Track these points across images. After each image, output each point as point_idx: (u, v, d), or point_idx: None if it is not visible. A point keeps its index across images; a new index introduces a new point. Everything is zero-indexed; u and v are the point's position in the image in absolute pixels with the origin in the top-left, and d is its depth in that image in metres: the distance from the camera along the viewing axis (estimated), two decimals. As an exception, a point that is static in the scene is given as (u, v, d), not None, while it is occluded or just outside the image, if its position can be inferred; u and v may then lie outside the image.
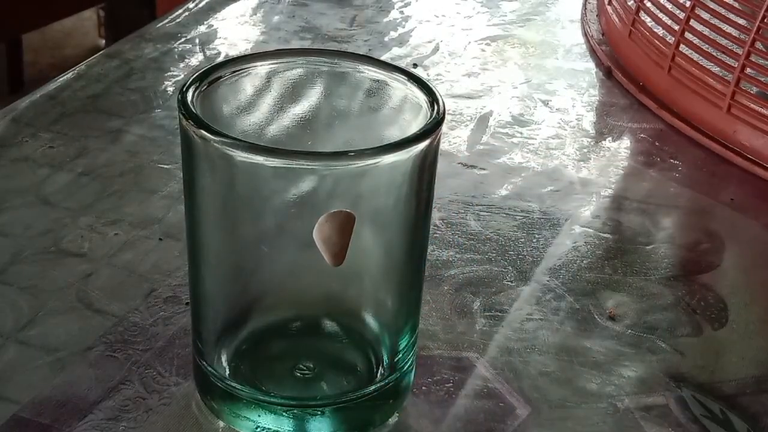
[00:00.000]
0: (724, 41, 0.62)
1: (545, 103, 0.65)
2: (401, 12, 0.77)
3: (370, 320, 0.39)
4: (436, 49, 0.71)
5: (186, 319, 0.43)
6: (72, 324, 0.43)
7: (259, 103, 0.39)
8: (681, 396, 0.42)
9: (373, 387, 0.38)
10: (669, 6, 0.65)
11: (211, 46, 0.69)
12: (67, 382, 0.40)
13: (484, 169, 0.57)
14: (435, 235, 0.50)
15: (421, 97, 0.37)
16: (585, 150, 0.60)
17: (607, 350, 0.44)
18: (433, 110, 0.36)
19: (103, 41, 2.26)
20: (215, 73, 0.37)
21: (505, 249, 0.50)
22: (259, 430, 0.38)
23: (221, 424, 0.39)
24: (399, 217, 0.36)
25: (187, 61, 0.67)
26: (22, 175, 0.53)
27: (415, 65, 0.68)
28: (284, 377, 0.39)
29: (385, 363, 0.39)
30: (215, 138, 0.33)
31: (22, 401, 0.39)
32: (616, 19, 0.71)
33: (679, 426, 0.40)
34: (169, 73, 0.65)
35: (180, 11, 0.74)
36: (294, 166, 0.34)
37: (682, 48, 0.63)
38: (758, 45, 0.59)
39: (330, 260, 0.34)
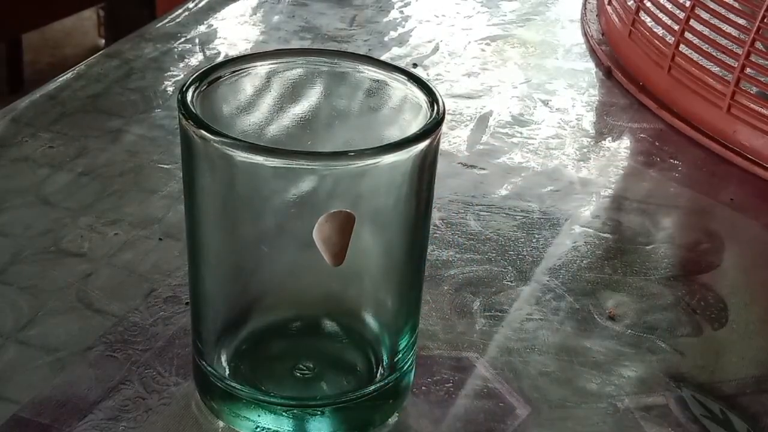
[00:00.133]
0: (724, 41, 0.62)
1: (545, 102, 0.65)
2: (401, 12, 0.77)
3: (370, 320, 0.39)
4: (435, 49, 0.71)
5: (186, 319, 0.43)
6: (72, 324, 0.43)
7: (259, 103, 0.39)
8: (681, 396, 0.42)
9: (372, 387, 0.38)
10: (669, 6, 0.65)
11: (210, 46, 0.69)
12: (67, 382, 0.40)
13: (484, 169, 0.57)
14: (435, 235, 0.50)
15: (421, 97, 0.37)
16: (585, 150, 0.60)
17: (607, 350, 0.44)
18: (433, 110, 0.36)
19: (103, 41, 2.26)
20: (215, 73, 0.37)
21: (505, 249, 0.50)
22: (258, 430, 0.38)
23: (221, 424, 0.39)
24: (399, 217, 0.36)
25: (186, 61, 0.67)
26: (22, 175, 0.53)
27: (415, 65, 0.68)
28: (284, 377, 0.39)
29: (384, 363, 0.39)
30: (215, 138, 0.33)
31: (22, 401, 0.39)
32: (616, 19, 0.71)
33: (679, 426, 0.40)
34: (168, 73, 0.65)
35: (180, 11, 0.74)
36: (294, 166, 0.34)
37: (682, 48, 0.63)
38: (758, 45, 0.59)
39: (330, 260, 0.34)
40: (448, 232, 0.51)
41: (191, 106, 0.35)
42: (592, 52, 0.72)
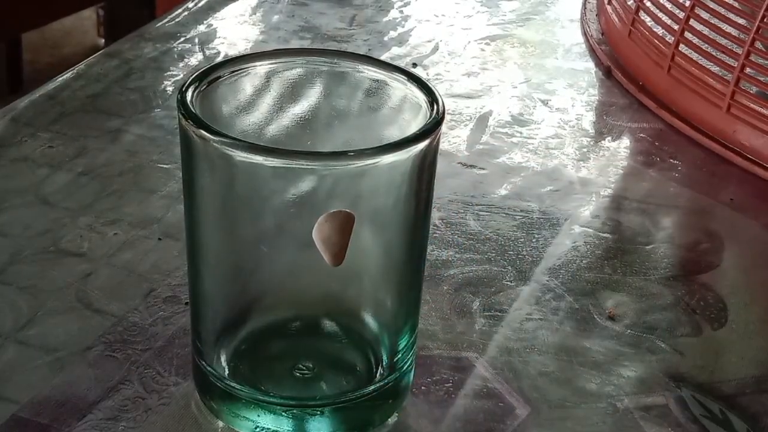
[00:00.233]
0: (723, 41, 0.62)
1: (545, 102, 0.65)
2: (401, 11, 0.77)
3: (370, 320, 0.39)
4: (435, 49, 0.71)
5: (185, 319, 0.43)
6: (71, 324, 0.43)
7: (258, 103, 0.39)
8: (681, 396, 0.42)
9: (372, 387, 0.38)
10: (669, 6, 0.65)
11: (210, 45, 0.69)
12: (67, 382, 0.40)
13: (483, 168, 0.57)
14: (435, 235, 0.50)
15: (421, 97, 0.37)
16: (584, 150, 0.60)
17: (606, 350, 0.44)
18: (432, 110, 0.36)
19: (103, 41, 2.26)
20: (214, 73, 0.37)
21: (504, 249, 0.50)
22: (258, 430, 0.38)
23: (220, 424, 0.39)
24: (399, 217, 0.36)
25: (186, 60, 0.67)
26: (21, 175, 0.53)
27: (414, 65, 0.68)
28: (284, 377, 0.39)
29: (384, 363, 0.39)
30: (215, 138, 0.33)
31: (21, 401, 0.39)
32: (616, 19, 0.71)
33: (679, 426, 0.40)
34: (168, 73, 0.65)
35: (179, 11, 0.74)
36: (294, 166, 0.34)
37: (682, 48, 0.63)
38: (758, 44, 0.59)
39: (330, 260, 0.34)
40: (448, 232, 0.51)
41: (191, 106, 0.35)
42: (592, 51, 0.72)
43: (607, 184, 0.57)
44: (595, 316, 0.46)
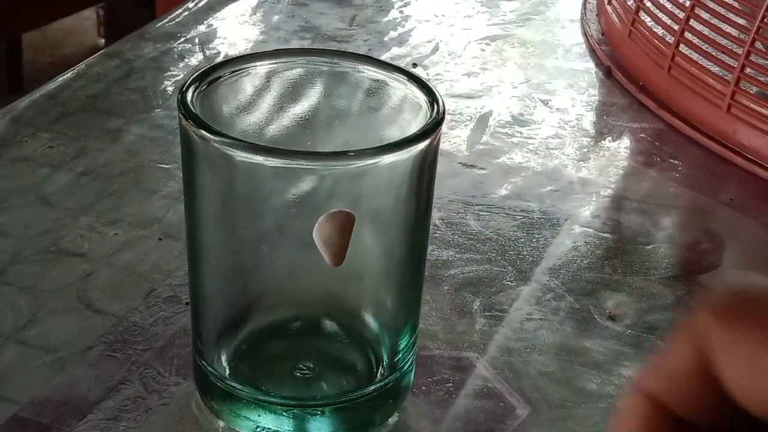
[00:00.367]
0: (724, 41, 0.62)
1: (545, 102, 0.65)
2: (401, 12, 0.77)
3: (370, 320, 0.39)
4: (435, 49, 0.71)
5: (186, 319, 0.43)
6: (72, 324, 0.43)
7: (258, 103, 0.39)
8: (681, 396, 0.42)
9: (372, 387, 0.38)
10: (669, 6, 0.65)
11: (210, 45, 0.69)
12: (67, 382, 0.40)
13: (483, 168, 0.57)
14: (435, 235, 0.50)
15: (421, 97, 0.37)
16: (585, 150, 0.60)
17: (606, 350, 0.44)
18: (432, 110, 0.36)
19: (103, 41, 2.26)
20: (215, 73, 0.37)
21: (504, 249, 0.50)
22: (259, 430, 0.38)
23: (221, 424, 0.39)
24: (399, 217, 0.36)
25: (186, 60, 0.67)
26: (22, 175, 0.53)
27: (414, 65, 0.68)
28: (284, 377, 0.39)
29: (385, 363, 0.39)
30: (215, 138, 0.33)
31: (22, 401, 0.39)
32: (616, 19, 0.71)
33: (679, 426, 0.40)
34: (168, 73, 0.65)
35: (180, 11, 0.74)
36: (294, 166, 0.34)
37: (682, 48, 0.63)
38: (758, 45, 0.59)
39: (330, 260, 0.34)
40: (448, 232, 0.51)
41: (191, 106, 0.35)
42: (592, 51, 0.72)
43: (608, 184, 0.57)
44: (596, 316, 0.46)
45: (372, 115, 0.39)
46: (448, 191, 0.54)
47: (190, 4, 0.75)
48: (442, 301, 0.46)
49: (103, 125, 0.59)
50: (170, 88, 0.63)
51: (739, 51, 0.59)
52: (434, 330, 0.44)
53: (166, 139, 0.57)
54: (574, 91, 0.67)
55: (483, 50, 0.71)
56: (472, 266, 0.49)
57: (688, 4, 0.63)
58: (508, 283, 0.48)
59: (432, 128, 0.35)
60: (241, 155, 0.33)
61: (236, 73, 0.38)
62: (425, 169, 0.35)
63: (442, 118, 0.35)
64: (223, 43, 0.69)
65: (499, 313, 0.46)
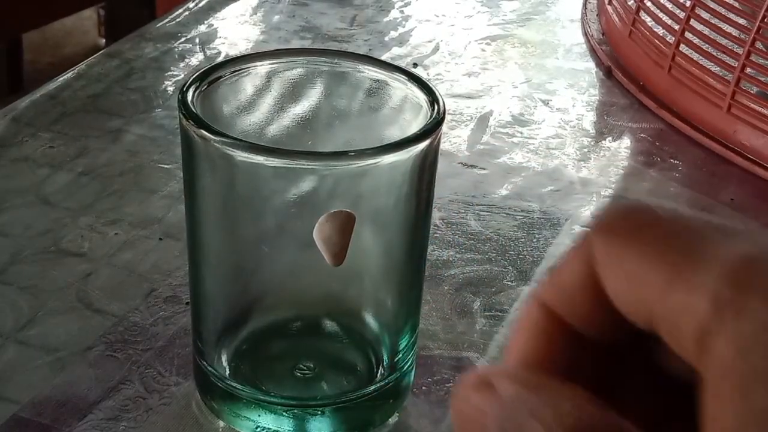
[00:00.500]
0: (724, 41, 0.62)
1: (545, 102, 0.65)
2: (401, 11, 0.77)
3: (370, 320, 0.39)
4: (436, 49, 0.71)
5: (186, 318, 0.43)
6: (72, 324, 0.43)
7: (259, 103, 0.39)
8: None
9: (373, 387, 0.38)
10: (669, 6, 0.65)
11: (211, 45, 0.69)
12: (67, 382, 0.40)
13: (484, 168, 0.57)
14: (435, 235, 0.50)
15: (421, 97, 0.37)
16: (585, 150, 0.60)
17: (607, 350, 0.44)
18: (433, 110, 0.36)
19: (103, 41, 2.26)
20: (215, 73, 0.37)
21: (505, 249, 0.50)
22: (259, 430, 0.38)
23: (221, 423, 0.39)
24: (399, 217, 0.36)
25: (187, 60, 0.67)
26: (22, 175, 0.53)
27: (415, 65, 0.68)
28: (284, 377, 0.39)
29: (385, 363, 0.39)
30: (215, 138, 0.33)
31: (22, 401, 0.39)
32: (616, 19, 0.71)
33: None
34: (169, 73, 0.65)
35: (180, 11, 0.74)
36: (294, 166, 0.34)
37: (682, 48, 0.63)
38: (758, 45, 0.59)
39: (330, 260, 0.34)
40: (449, 232, 0.51)
41: (192, 106, 0.35)
42: (593, 51, 0.72)
43: (608, 184, 0.57)
44: (596, 316, 0.46)
45: (372, 115, 0.39)
46: (449, 191, 0.54)
47: (191, 4, 0.75)
48: (443, 301, 0.46)
49: (104, 125, 0.59)
50: (171, 88, 0.63)
51: (740, 51, 0.59)
52: (434, 330, 0.44)
53: (167, 139, 0.57)
54: (575, 91, 0.67)
55: (483, 50, 0.71)
56: (472, 266, 0.49)
57: (688, 4, 0.63)
58: (509, 283, 0.48)
59: (432, 128, 0.35)
60: (241, 155, 0.33)
61: (237, 73, 0.38)
62: (425, 169, 0.35)
63: (443, 118, 0.35)
64: (223, 43, 0.69)
65: (500, 313, 0.46)
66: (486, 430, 0.19)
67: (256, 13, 0.75)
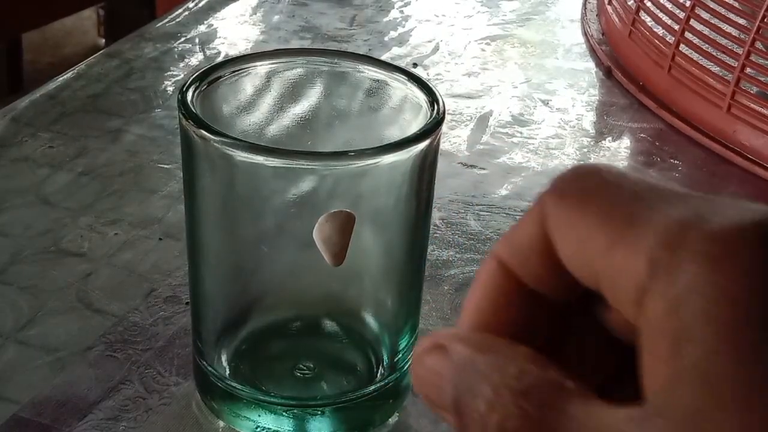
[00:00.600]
0: (724, 41, 0.62)
1: (545, 102, 0.65)
2: (401, 11, 0.77)
3: (370, 320, 0.39)
4: (436, 49, 0.71)
5: (186, 318, 0.43)
6: (72, 324, 0.43)
7: (259, 103, 0.39)
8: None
9: (373, 387, 0.38)
10: (669, 6, 0.65)
11: (210, 45, 0.69)
12: (67, 382, 0.40)
13: (484, 168, 0.57)
14: (435, 235, 0.50)
15: (421, 97, 0.37)
16: (585, 150, 0.60)
17: (607, 350, 0.44)
18: (433, 110, 0.36)
19: (103, 41, 2.26)
20: (215, 73, 0.37)
21: (505, 249, 0.50)
22: (259, 430, 0.38)
23: (221, 424, 0.39)
24: (399, 217, 0.36)
25: (187, 60, 0.67)
26: (22, 175, 0.53)
27: (415, 65, 0.68)
28: (284, 377, 0.39)
29: (385, 363, 0.39)
30: (215, 138, 0.33)
31: (22, 401, 0.39)
32: (616, 19, 0.71)
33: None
34: (168, 73, 0.65)
35: (180, 11, 0.74)
36: (294, 166, 0.34)
37: (682, 48, 0.63)
38: (758, 45, 0.59)
39: (330, 260, 0.34)
40: (448, 232, 0.51)
41: (191, 106, 0.35)
42: (592, 51, 0.72)
43: (608, 184, 0.57)
44: (596, 316, 0.46)
45: (372, 115, 0.39)
46: (448, 191, 0.54)
47: (191, 4, 0.75)
48: (442, 301, 0.46)
49: (103, 125, 0.59)
50: (170, 88, 0.63)
51: (740, 51, 0.59)
52: (434, 330, 0.44)
53: (166, 139, 0.57)
54: (575, 91, 0.67)
55: (483, 50, 0.71)
56: (472, 266, 0.49)
57: (688, 4, 0.63)
58: (509, 283, 0.48)
59: (432, 128, 0.35)
60: (241, 155, 0.33)
61: (236, 73, 0.38)
62: (425, 169, 0.35)
63: (442, 118, 0.35)
64: (223, 43, 0.69)
65: (500, 313, 0.46)
66: (442, 391, 0.20)
67: (255, 13, 0.75)
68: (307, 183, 0.35)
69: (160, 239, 0.49)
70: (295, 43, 0.70)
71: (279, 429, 0.38)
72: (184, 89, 0.35)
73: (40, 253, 0.48)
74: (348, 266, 0.34)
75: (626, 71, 0.68)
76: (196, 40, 0.69)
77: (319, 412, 0.38)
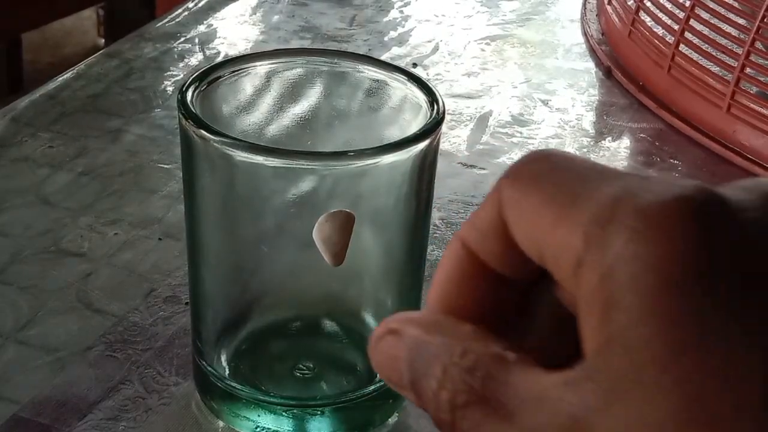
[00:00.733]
0: (724, 41, 0.62)
1: (545, 102, 0.65)
2: (401, 11, 0.77)
3: (370, 320, 0.39)
4: (435, 49, 0.71)
5: (186, 318, 0.43)
6: (72, 324, 0.43)
7: (258, 103, 0.39)
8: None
9: (372, 387, 0.38)
10: (669, 6, 0.65)
11: (210, 45, 0.69)
12: (67, 382, 0.40)
13: (483, 168, 0.57)
14: (435, 235, 0.50)
15: (421, 97, 0.37)
16: (585, 150, 0.60)
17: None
18: (432, 110, 0.36)
19: (103, 41, 2.26)
20: (215, 73, 0.37)
21: (504, 249, 0.50)
22: (258, 430, 0.38)
23: (221, 424, 0.39)
24: (399, 217, 0.36)
25: (186, 60, 0.67)
26: (22, 175, 0.53)
27: (414, 65, 0.68)
28: (284, 377, 0.39)
29: (384, 363, 0.39)
30: (215, 138, 0.33)
31: (22, 401, 0.39)
32: (616, 19, 0.71)
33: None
34: (168, 73, 0.65)
35: (179, 11, 0.74)
36: (294, 166, 0.34)
37: (682, 48, 0.63)
38: (758, 45, 0.59)
39: (330, 260, 0.34)
40: (448, 232, 0.51)
41: (191, 106, 0.35)
42: (592, 51, 0.72)
43: (608, 184, 0.57)
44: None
45: (372, 115, 0.39)
46: (448, 191, 0.54)
47: (190, 4, 0.75)
48: (442, 301, 0.46)
49: (103, 125, 0.59)
50: (170, 88, 0.63)
51: (739, 51, 0.59)
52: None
53: (166, 139, 0.57)
54: (574, 91, 0.67)
55: (483, 50, 0.71)
56: (472, 266, 0.48)
57: (688, 4, 0.63)
58: (508, 283, 0.48)
59: (432, 128, 0.35)
60: (241, 155, 0.33)
61: (236, 73, 0.38)
62: (425, 169, 0.35)
63: (442, 118, 0.35)
64: (223, 43, 0.69)
65: (499, 313, 0.46)
66: (400, 373, 0.22)
67: (255, 13, 0.75)
68: (307, 183, 0.35)
69: (160, 239, 0.49)
70: (295, 43, 0.70)
71: (279, 429, 0.38)
72: (184, 89, 0.35)
73: (40, 253, 0.48)
74: (348, 266, 0.35)
75: (626, 71, 0.68)
76: (196, 40, 0.70)
77: (319, 412, 0.38)
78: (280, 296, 0.40)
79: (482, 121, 0.62)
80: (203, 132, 0.34)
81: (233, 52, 0.68)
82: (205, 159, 0.34)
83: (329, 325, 0.40)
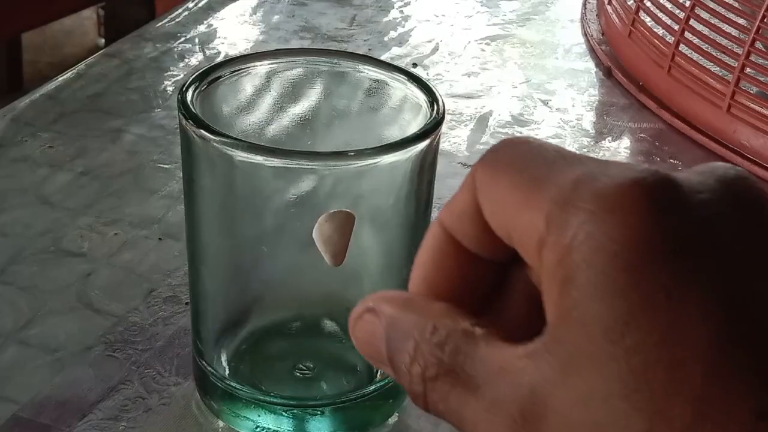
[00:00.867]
0: (724, 41, 0.62)
1: (545, 102, 0.65)
2: (401, 11, 0.77)
3: (370, 320, 0.39)
4: (435, 49, 0.71)
5: (186, 318, 0.43)
6: (72, 324, 0.43)
7: (259, 103, 0.39)
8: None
9: (372, 387, 0.38)
10: (669, 6, 0.65)
11: (210, 45, 0.69)
12: (67, 382, 0.40)
13: (483, 168, 0.57)
14: (435, 234, 0.50)
15: (421, 97, 0.37)
16: (585, 150, 0.60)
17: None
18: (432, 110, 0.36)
19: (103, 41, 2.26)
20: (215, 73, 0.37)
21: (504, 249, 0.50)
22: (258, 430, 0.38)
23: (221, 424, 0.39)
24: (399, 217, 0.36)
25: (186, 60, 0.67)
26: (21, 175, 0.53)
27: (414, 65, 0.68)
28: (284, 377, 0.39)
29: (384, 363, 0.39)
30: (215, 138, 0.33)
31: (22, 401, 0.39)
32: (616, 19, 0.71)
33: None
34: (168, 73, 0.65)
35: (179, 11, 0.74)
36: (294, 166, 0.34)
37: (682, 48, 0.63)
38: (758, 45, 0.59)
39: (330, 260, 0.34)
40: (448, 232, 0.51)
41: (191, 106, 0.35)
42: (592, 51, 0.72)
43: (608, 184, 0.57)
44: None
45: (372, 115, 0.39)
46: (448, 191, 0.54)
47: (190, 4, 0.75)
48: (442, 301, 0.46)
49: (103, 125, 0.59)
50: (170, 88, 0.63)
51: (739, 51, 0.59)
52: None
53: (166, 139, 0.57)
54: (574, 91, 0.67)
55: (483, 50, 0.71)
56: (472, 266, 0.48)
57: (688, 4, 0.63)
58: (508, 283, 0.48)
59: (432, 128, 0.35)
60: (241, 155, 0.33)
61: (236, 73, 0.38)
62: (425, 169, 0.35)
63: (442, 118, 0.35)
64: (223, 43, 0.69)
65: (499, 313, 0.46)
66: (378, 350, 0.23)
67: (255, 13, 0.75)
68: (307, 183, 0.35)
69: (160, 239, 0.49)
70: (295, 43, 0.70)
71: (279, 429, 0.38)
72: (184, 89, 0.35)
73: (40, 253, 0.48)
74: (348, 266, 0.35)
75: (626, 71, 0.68)
76: (196, 40, 0.70)
77: (319, 412, 0.38)
78: (280, 296, 0.40)
79: (482, 121, 0.62)
80: (203, 132, 0.34)
81: (233, 52, 0.68)
82: (205, 159, 0.34)
83: (329, 325, 0.40)
